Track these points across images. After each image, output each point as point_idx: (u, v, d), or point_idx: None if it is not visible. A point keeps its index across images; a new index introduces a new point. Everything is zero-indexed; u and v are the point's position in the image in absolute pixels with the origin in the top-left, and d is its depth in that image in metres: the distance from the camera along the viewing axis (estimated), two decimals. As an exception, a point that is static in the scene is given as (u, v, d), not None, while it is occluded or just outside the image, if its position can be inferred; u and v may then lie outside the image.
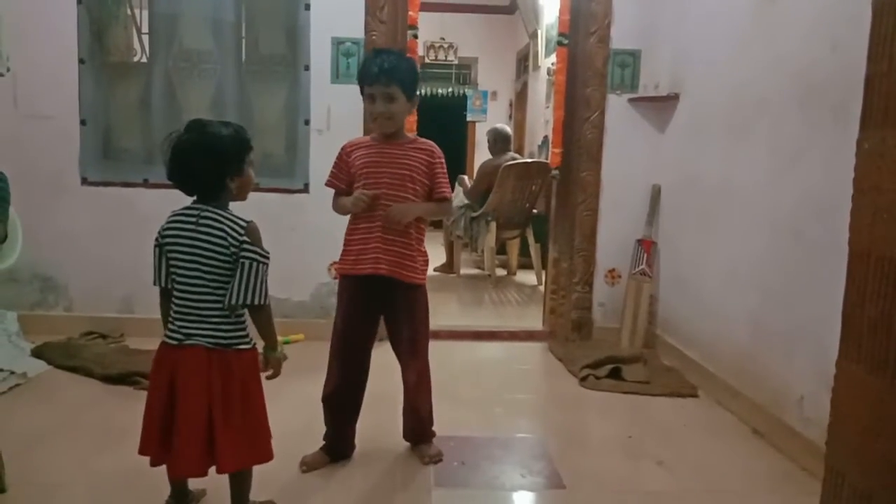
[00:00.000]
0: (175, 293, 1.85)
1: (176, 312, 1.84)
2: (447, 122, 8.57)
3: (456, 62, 9.59)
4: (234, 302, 1.79)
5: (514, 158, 5.85)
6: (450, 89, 9.62)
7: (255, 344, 1.89)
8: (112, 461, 2.29)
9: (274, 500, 2.06)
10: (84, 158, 3.75)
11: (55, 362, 3.24)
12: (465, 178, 6.37)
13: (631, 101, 3.85)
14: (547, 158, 5.67)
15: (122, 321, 3.77)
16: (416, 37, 3.85)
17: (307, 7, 3.70)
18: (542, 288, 5.13)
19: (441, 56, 9.49)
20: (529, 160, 6.13)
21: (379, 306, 2.39)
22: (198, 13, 3.70)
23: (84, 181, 3.76)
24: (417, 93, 2.33)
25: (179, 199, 1.90)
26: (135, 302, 3.79)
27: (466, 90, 9.55)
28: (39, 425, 2.61)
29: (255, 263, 1.79)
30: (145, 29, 3.76)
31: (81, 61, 3.69)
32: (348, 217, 2.35)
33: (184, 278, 1.83)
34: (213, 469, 1.83)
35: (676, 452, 2.57)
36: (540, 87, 7.38)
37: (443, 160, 2.36)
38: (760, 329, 2.78)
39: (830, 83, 2.33)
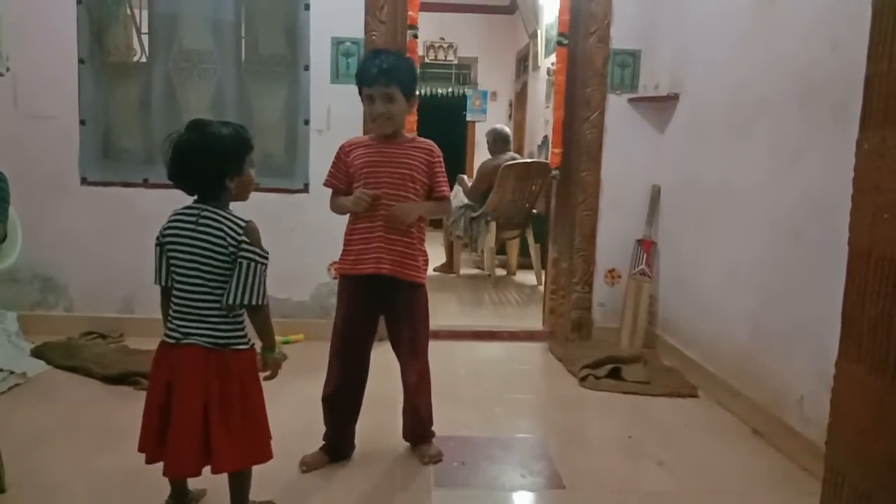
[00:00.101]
0: (174, 292, 1.85)
1: (175, 311, 1.84)
2: (447, 122, 8.57)
3: (456, 62, 9.59)
4: (231, 302, 1.79)
5: (513, 158, 5.85)
6: (449, 89, 9.62)
7: (253, 344, 1.89)
8: (112, 461, 2.29)
9: (274, 501, 2.06)
10: (84, 158, 3.75)
11: (55, 362, 3.24)
12: (465, 177, 6.37)
13: (631, 101, 3.85)
14: (547, 158, 5.67)
15: (122, 321, 3.77)
16: (415, 37, 3.85)
17: (307, 7, 3.70)
18: (541, 288, 5.13)
19: (441, 56, 9.49)
20: (529, 160, 6.13)
21: (379, 306, 2.39)
22: (197, 13, 3.69)
23: (84, 181, 3.76)
24: (416, 92, 2.33)
25: (180, 199, 1.90)
26: (135, 302, 3.79)
27: (466, 90, 9.55)
28: (39, 425, 2.60)
29: (253, 263, 1.79)
30: (145, 29, 3.76)
31: (81, 61, 3.69)
32: (348, 217, 2.35)
33: (183, 277, 1.83)
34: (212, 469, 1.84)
35: (676, 452, 2.57)
36: (540, 87, 7.38)
37: (442, 159, 2.36)
38: (760, 329, 2.78)
39: (830, 83, 2.33)
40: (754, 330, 2.82)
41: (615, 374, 3.34)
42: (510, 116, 9.46)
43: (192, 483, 2.00)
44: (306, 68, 3.74)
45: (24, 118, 3.69)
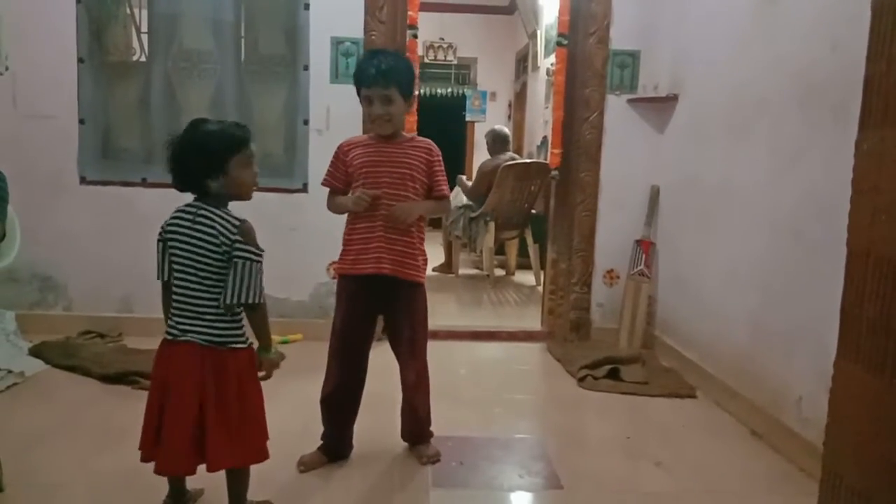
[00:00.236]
0: (174, 289, 1.85)
1: (174, 308, 1.85)
2: (446, 123, 8.57)
3: (455, 62, 9.59)
4: (228, 302, 1.79)
5: (513, 158, 5.85)
6: (449, 89, 9.62)
7: (251, 344, 1.89)
8: (111, 461, 2.29)
9: (271, 500, 2.06)
10: (83, 158, 3.75)
11: (53, 361, 3.24)
12: (464, 177, 6.37)
13: (630, 101, 3.86)
14: (546, 159, 5.67)
15: (120, 321, 3.77)
16: (415, 37, 3.85)
17: (306, 7, 3.70)
18: (540, 288, 5.13)
19: (440, 56, 9.49)
20: (528, 160, 6.13)
21: (379, 306, 2.39)
22: (197, 13, 3.69)
23: (83, 180, 3.76)
24: (415, 92, 2.33)
25: (178, 199, 1.90)
26: (134, 301, 3.79)
27: (465, 90, 9.55)
28: (38, 425, 2.60)
29: (247, 263, 1.79)
30: (145, 28, 3.76)
31: (80, 60, 3.69)
32: (346, 217, 2.35)
33: (181, 275, 1.84)
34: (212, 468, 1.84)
35: (675, 453, 2.57)
36: (539, 87, 7.38)
37: (441, 158, 2.36)
38: (759, 329, 2.78)
39: (830, 83, 2.33)
40: (753, 330, 2.82)
41: (614, 374, 3.34)
42: (509, 117, 9.46)
43: (190, 482, 2.00)
44: (306, 68, 3.74)
45: (24, 117, 3.69)
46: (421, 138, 2.39)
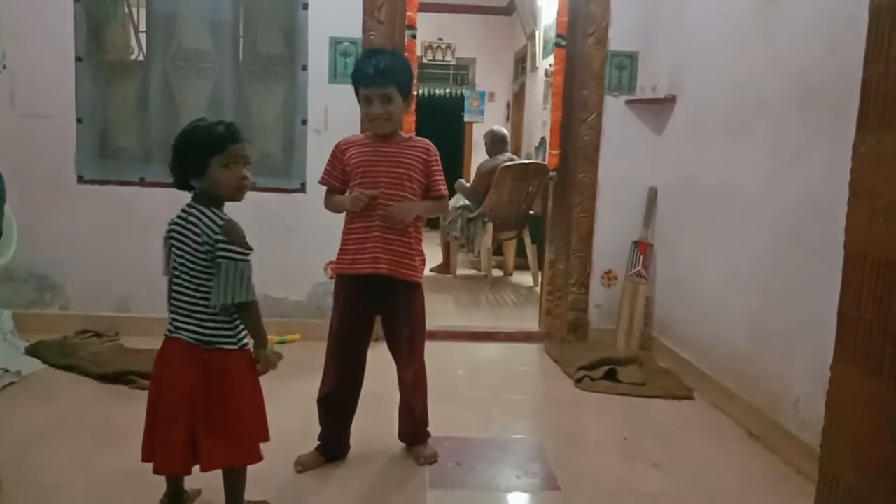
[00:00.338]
0: (172, 286, 1.86)
1: (172, 305, 1.86)
2: (445, 123, 8.56)
3: (454, 63, 9.58)
4: (216, 303, 1.79)
5: (511, 159, 5.85)
6: (447, 90, 9.61)
7: (245, 345, 1.87)
8: (109, 460, 2.28)
9: (269, 501, 2.05)
10: (80, 157, 3.74)
11: (50, 361, 3.23)
12: (463, 180, 6.38)
13: (628, 102, 3.86)
14: (544, 160, 5.67)
15: (118, 320, 3.76)
16: (414, 37, 3.85)
17: (305, 7, 3.70)
18: (538, 289, 5.13)
19: (439, 57, 9.48)
20: (527, 161, 6.13)
21: (376, 306, 2.38)
22: (196, 12, 3.69)
23: (80, 180, 3.75)
24: (413, 92, 2.33)
25: (176, 198, 1.90)
26: (131, 301, 3.78)
27: (464, 91, 9.54)
28: (35, 424, 2.60)
29: (231, 263, 1.77)
30: (143, 27, 3.75)
31: (78, 59, 3.68)
32: (344, 216, 2.34)
33: (176, 272, 1.85)
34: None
35: (672, 454, 2.57)
36: (538, 88, 7.38)
37: (438, 158, 2.36)
38: (757, 331, 2.78)
39: (829, 84, 2.33)
40: (751, 332, 2.82)
41: (611, 375, 3.34)
42: (508, 117, 9.46)
43: (188, 482, 2.00)
44: (304, 68, 3.74)
45: (21, 117, 3.68)
46: (419, 138, 2.39)
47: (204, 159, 1.80)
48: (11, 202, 2.40)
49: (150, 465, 1.86)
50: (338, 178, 2.35)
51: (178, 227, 1.83)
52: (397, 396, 2.46)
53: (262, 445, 1.91)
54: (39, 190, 3.69)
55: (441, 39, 9.38)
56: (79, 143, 3.73)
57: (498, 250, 6.19)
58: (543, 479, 2.36)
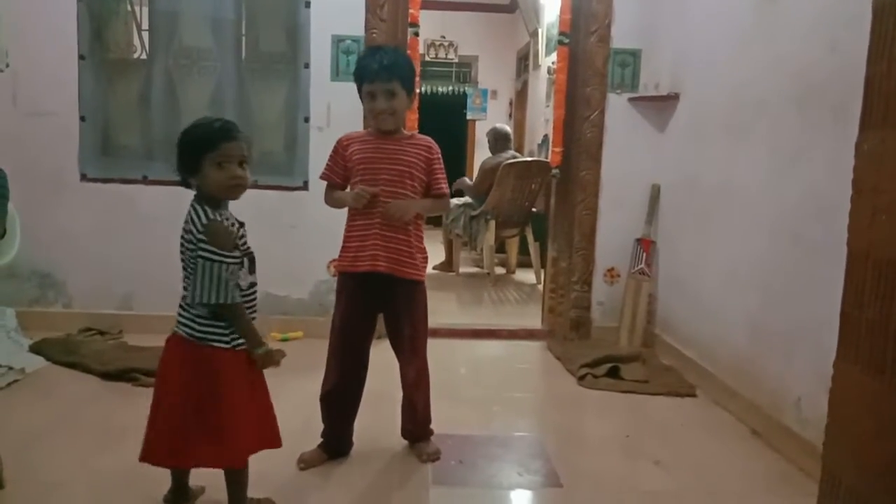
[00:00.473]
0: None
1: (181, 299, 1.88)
2: (447, 121, 8.57)
3: (456, 60, 9.59)
4: (191, 300, 1.80)
5: (514, 157, 5.85)
6: (450, 88, 9.61)
7: (238, 345, 1.86)
8: (111, 458, 2.28)
9: (271, 498, 2.06)
10: (83, 155, 3.75)
11: (53, 358, 3.24)
12: (466, 179, 6.38)
13: (631, 100, 3.85)
14: (547, 157, 5.67)
15: (120, 318, 3.76)
16: (416, 35, 3.85)
17: (307, 5, 3.70)
18: (540, 287, 5.13)
19: (441, 54, 9.48)
20: (529, 159, 6.13)
21: (378, 304, 2.38)
22: (198, 11, 3.69)
23: (83, 178, 3.76)
24: (416, 89, 2.33)
25: (178, 196, 1.91)
26: (134, 299, 3.78)
27: (467, 88, 9.54)
28: (38, 421, 2.60)
29: (207, 263, 1.76)
30: (145, 25, 3.75)
31: (81, 58, 3.69)
32: (346, 214, 2.34)
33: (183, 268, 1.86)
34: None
35: (674, 452, 2.57)
36: (540, 85, 7.37)
37: (440, 156, 2.36)
38: (759, 330, 2.78)
39: (830, 84, 2.33)
40: (753, 330, 2.82)
41: (613, 373, 3.34)
42: (510, 115, 9.45)
43: (192, 480, 2.01)
44: (306, 66, 3.74)
45: (24, 115, 3.68)
46: (421, 136, 2.39)
47: (198, 157, 1.80)
48: (14, 200, 2.40)
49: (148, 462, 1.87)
50: (339, 174, 2.35)
51: (184, 224, 1.84)
52: (400, 394, 2.47)
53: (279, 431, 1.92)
54: (42, 188, 3.70)
55: (444, 37, 9.37)
56: (81, 142, 3.74)
57: (500, 248, 6.19)
58: (545, 476, 2.36)
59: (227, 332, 1.84)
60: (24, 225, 2.84)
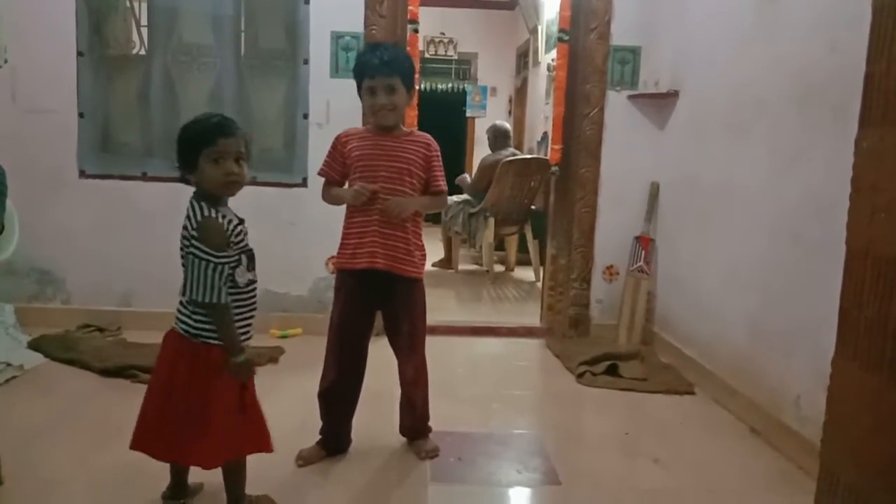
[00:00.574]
0: None
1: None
2: (446, 118, 8.56)
3: (456, 57, 9.57)
4: (182, 295, 1.81)
5: (514, 154, 5.85)
6: (449, 85, 9.60)
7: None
8: (110, 455, 2.28)
9: (269, 495, 2.06)
10: (82, 152, 3.74)
11: (52, 355, 3.24)
12: (466, 176, 6.37)
13: (631, 97, 3.85)
14: (546, 155, 5.66)
15: (119, 314, 3.76)
16: (416, 31, 3.84)
17: (307, 1, 3.69)
18: (539, 284, 5.13)
19: (441, 51, 9.47)
20: (529, 156, 6.13)
21: (376, 301, 2.38)
22: (197, 7, 3.69)
23: (82, 174, 3.76)
24: (415, 86, 2.33)
25: (177, 192, 1.90)
26: (133, 295, 3.78)
27: (466, 86, 9.53)
28: (37, 418, 2.60)
29: (197, 261, 1.76)
30: (144, 21, 3.75)
31: (80, 54, 3.68)
32: (345, 211, 2.34)
33: None
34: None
35: (673, 450, 2.57)
36: (540, 83, 7.37)
37: (439, 153, 2.35)
38: (758, 328, 2.78)
39: (830, 83, 2.33)
40: (752, 328, 2.82)
41: (612, 370, 3.34)
42: (510, 112, 9.45)
43: (190, 477, 2.01)
44: (306, 62, 3.73)
45: (23, 111, 3.68)
46: (420, 133, 2.38)
47: (195, 153, 1.79)
48: (13, 197, 2.40)
49: (149, 461, 1.88)
50: (337, 171, 2.34)
51: (184, 220, 1.84)
52: (398, 391, 2.47)
53: (269, 435, 1.92)
54: (41, 185, 3.70)
55: (443, 34, 9.36)
56: (80, 138, 3.73)
57: (500, 245, 6.19)
58: (544, 473, 2.36)
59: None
60: (23, 221, 2.84)
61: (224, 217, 1.82)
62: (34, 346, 3.32)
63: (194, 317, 1.82)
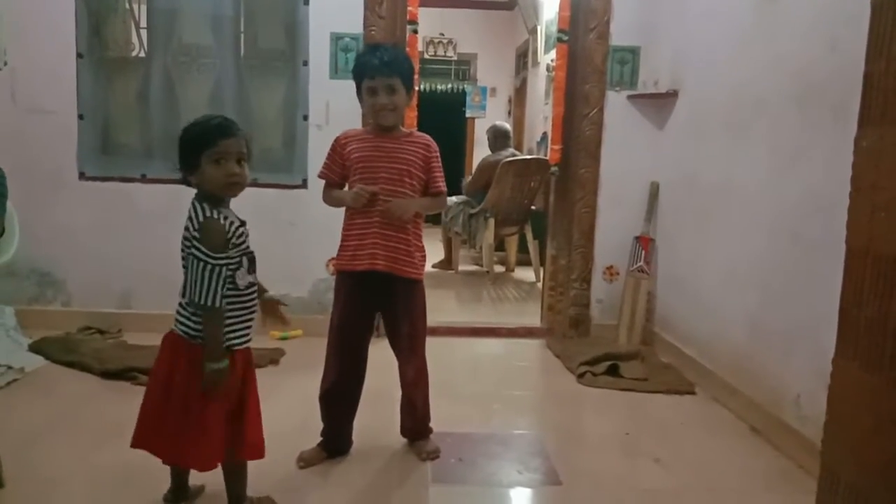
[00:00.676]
0: None
1: None
2: (446, 119, 8.56)
3: (455, 58, 9.58)
4: (183, 296, 1.80)
5: (513, 155, 5.85)
6: (449, 85, 9.60)
7: (231, 345, 1.84)
8: (111, 456, 2.28)
9: (271, 496, 2.06)
10: (82, 153, 3.75)
11: (53, 357, 3.24)
12: (470, 178, 6.38)
13: (630, 97, 3.85)
14: (546, 155, 5.67)
15: (120, 317, 3.76)
16: (415, 32, 3.84)
17: (306, 2, 3.69)
18: (540, 285, 5.13)
19: (440, 52, 9.47)
20: (528, 157, 6.13)
21: (376, 302, 2.38)
22: (197, 8, 3.69)
23: (82, 176, 3.76)
24: (415, 87, 2.33)
25: (177, 194, 1.90)
26: (133, 297, 3.78)
27: (466, 86, 9.53)
28: (38, 420, 2.60)
29: (196, 262, 1.76)
30: (144, 23, 3.75)
31: (80, 56, 3.68)
32: (344, 212, 2.34)
33: None
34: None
35: (673, 450, 2.57)
36: (539, 83, 7.37)
37: (438, 154, 2.35)
38: (758, 327, 2.78)
39: (830, 83, 2.33)
40: (752, 328, 2.82)
41: (613, 370, 3.34)
42: (509, 113, 9.45)
43: (191, 479, 2.01)
44: (305, 63, 3.73)
45: (23, 113, 3.68)
46: (419, 134, 2.38)
47: (196, 154, 1.79)
48: (13, 199, 2.39)
49: (149, 463, 1.88)
50: (337, 173, 2.34)
51: (185, 222, 1.84)
52: (399, 392, 2.47)
53: (264, 442, 1.91)
54: (41, 186, 3.70)
55: (442, 34, 9.37)
56: (80, 140, 3.73)
57: (500, 246, 6.19)
58: (545, 474, 2.36)
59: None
60: (23, 223, 2.84)
61: (226, 218, 1.82)
62: (35, 348, 3.32)
63: (194, 318, 1.81)
